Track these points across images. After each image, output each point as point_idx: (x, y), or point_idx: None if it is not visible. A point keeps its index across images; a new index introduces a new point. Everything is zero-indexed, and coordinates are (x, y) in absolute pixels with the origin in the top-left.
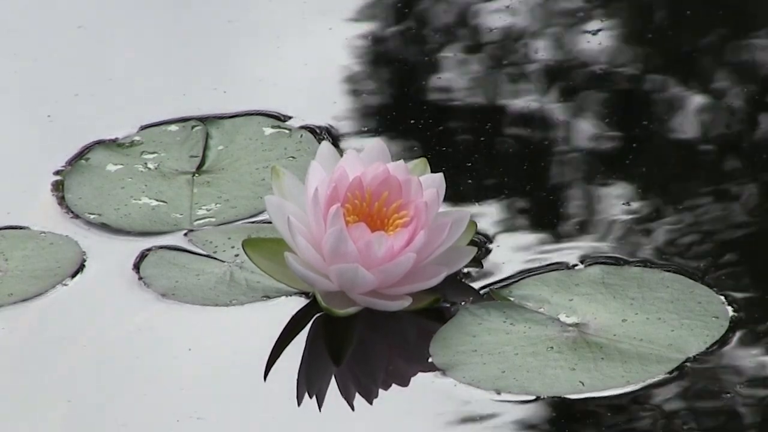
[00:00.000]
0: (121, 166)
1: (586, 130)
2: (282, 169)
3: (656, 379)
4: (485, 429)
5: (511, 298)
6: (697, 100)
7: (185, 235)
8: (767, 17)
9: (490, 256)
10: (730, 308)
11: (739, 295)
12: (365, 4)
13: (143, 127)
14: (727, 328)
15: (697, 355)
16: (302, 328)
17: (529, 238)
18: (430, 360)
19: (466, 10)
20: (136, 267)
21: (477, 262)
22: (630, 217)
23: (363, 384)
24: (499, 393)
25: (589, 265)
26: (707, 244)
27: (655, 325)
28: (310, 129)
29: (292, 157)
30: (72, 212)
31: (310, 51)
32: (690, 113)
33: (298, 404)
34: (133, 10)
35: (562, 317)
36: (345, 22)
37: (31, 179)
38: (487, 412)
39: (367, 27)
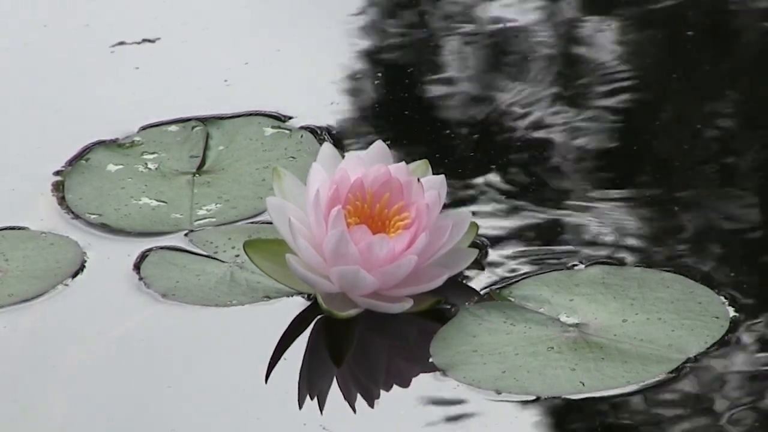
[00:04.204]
0: (121, 167)
1: (587, 130)
2: (283, 170)
3: (656, 379)
4: (485, 429)
5: (512, 299)
6: (699, 100)
7: (185, 235)
8: None
9: (491, 257)
10: (730, 308)
11: (739, 295)
12: (366, 3)
13: (143, 128)
14: (728, 328)
15: (698, 355)
16: (303, 330)
17: (530, 238)
18: (430, 360)
19: (467, 9)
20: (137, 267)
21: (478, 263)
22: (630, 217)
23: (364, 385)
24: (499, 393)
25: (589, 265)
26: (708, 245)
27: (655, 325)
28: (311, 129)
29: (293, 158)
30: (72, 212)
31: (310, 51)
32: (692, 113)
33: (300, 406)
34: None
35: (563, 317)
36: (345, 22)
37: (32, 180)
38: (487, 412)
39: (367, 26)
